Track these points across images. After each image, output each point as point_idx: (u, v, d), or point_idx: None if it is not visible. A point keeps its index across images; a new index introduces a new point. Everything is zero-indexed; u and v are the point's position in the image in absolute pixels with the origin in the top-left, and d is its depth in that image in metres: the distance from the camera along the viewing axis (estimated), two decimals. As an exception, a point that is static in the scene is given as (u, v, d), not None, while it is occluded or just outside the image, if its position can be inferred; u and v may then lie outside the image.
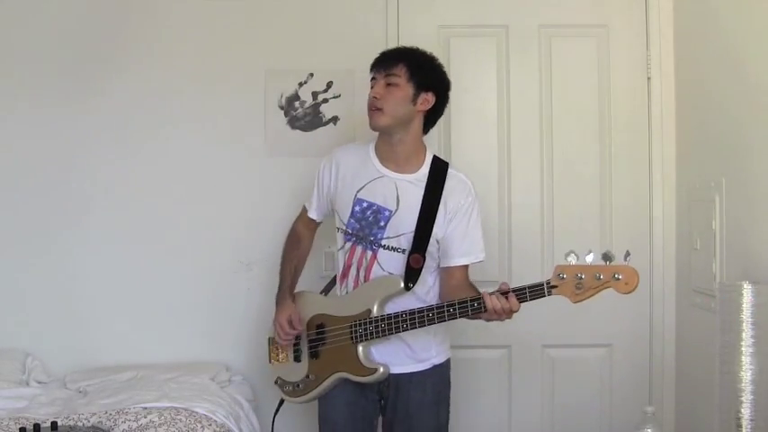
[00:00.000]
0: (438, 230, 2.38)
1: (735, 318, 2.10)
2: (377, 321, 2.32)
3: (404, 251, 2.37)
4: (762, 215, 2.37)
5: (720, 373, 2.15)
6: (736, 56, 2.55)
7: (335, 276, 2.54)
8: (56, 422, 2.20)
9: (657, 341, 3.07)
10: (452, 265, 2.40)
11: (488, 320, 2.25)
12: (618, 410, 3.05)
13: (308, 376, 2.45)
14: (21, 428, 2.14)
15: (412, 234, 2.36)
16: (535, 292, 2.17)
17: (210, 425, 2.40)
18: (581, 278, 2.12)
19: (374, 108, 2.36)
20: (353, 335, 2.35)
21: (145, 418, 2.34)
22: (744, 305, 2.08)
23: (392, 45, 3.06)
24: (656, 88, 3.05)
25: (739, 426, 2.08)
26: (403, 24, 3.08)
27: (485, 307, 2.19)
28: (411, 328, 2.29)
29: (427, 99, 2.40)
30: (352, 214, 2.40)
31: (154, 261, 3.08)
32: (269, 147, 3.08)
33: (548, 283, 2.15)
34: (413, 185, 2.40)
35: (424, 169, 2.42)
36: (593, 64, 3.08)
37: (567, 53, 3.09)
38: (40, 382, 2.85)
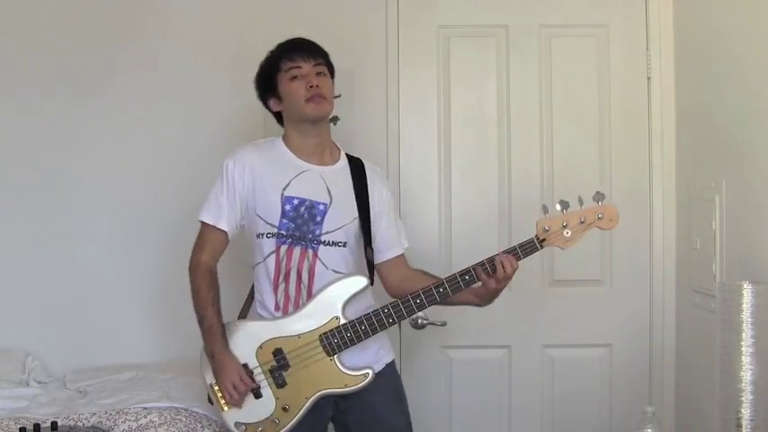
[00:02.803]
0: (372, 224, 2.35)
1: (735, 318, 2.10)
2: (354, 326, 2.20)
3: (344, 244, 2.28)
4: (762, 215, 2.37)
5: (720, 373, 2.15)
6: (737, 56, 2.54)
7: (250, 294, 2.38)
8: (56, 422, 2.20)
9: (657, 341, 3.06)
10: (393, 257, 2.40)
11: (481, 301, 2.25)
12: (618, 410, 3.05)
13: (283, 408, 2.22)
14: (21, 428, 2.14)
15: (350, 225, 2.31)
16: (526, 248, 2.19)
17: (210, 425, 2.40)
18: (565, 226, 2.18)
19: (319, 96, 2.27)
20: (329, 347, 2.21)
21: (145, 418, 2.34)
22: (744, 305, 2.08)
23: (392, 45, 3.08)
24: (656, 88, 3.05)
25: (739, 426, 2.08)
26: (403, 24, 3.08)
27: (477, 277, 2.17)
28: (399, 320, 2.23)
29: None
30: (284, 214, 2.25)
31: (154, 260, 3.08)
32: (269, 147, 3.07)
33: (536, 237, 2.19)
34: (339, 175, 2.35)
35: (343, 161, 2.39)
36: (593, 64, 3.08)
37: (567, 53, 3.08)
38: (40, 382, 2.85)
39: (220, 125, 3.09)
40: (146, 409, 2.40)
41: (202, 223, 2.32)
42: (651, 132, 3.06)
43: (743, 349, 2.08)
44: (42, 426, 2.15)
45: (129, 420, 2.32)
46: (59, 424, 2.23)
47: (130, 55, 3.08)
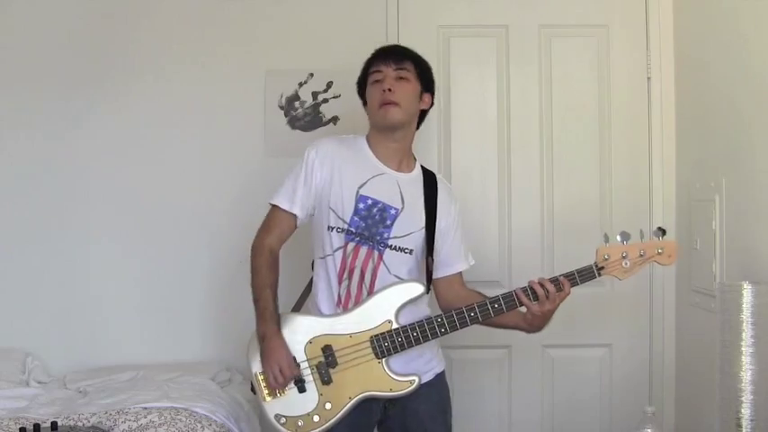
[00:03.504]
0: (437, 237, 2.33)
1: (735, 318, 2.10)
2: (407, 331, 2.19)
3: (410, 252, 2.27)
4: (762, 215, 2.38)
5: (720, 373, 2.15)
6: (736, 56, 2.55)
7: (307, 288, 2.37)
8: (56, 422, 2.20)
9: (657, 341, 3.07)
10: (450, 274, 2.38)
11: (530, 327, 2.26)
12: (618, 410, 3.05)
13: (326, 405, 2.20)
14: (21, 428, 2.14)
15: (418, 234, 2.29)
16: (585, 274, 2.18)
17: (210, 425, 2.40)
18: (625, 257, 2.18)
19: (389, 102, 2.23)
20: (378, 350, 2.19)
21: (145, 418, 2.34)
22: (744, 305, 2.09)
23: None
24: (656, 88, 3.05)
25: (739, 426, 2.08)
26: (403, 24, 3.08)
27: (535, 295, 2.17)
28: (452, 331, 2.21)
29: (425, 100, 2.36)
30: (356, 212, 2.24)
31: (153, 261, 3.08)
32: (269, 147, 3.08)
33: (595, 265, 2.19)
34: (412, 184, 2.33)
35: (418, 171, 2.38)
36: (593, 64, 3.08)
37: (567, 53, 3.09)
38: (40, 382, 2.85)
39: (222, 126, 3.09)
40: (146, 409, 2.40)
41: (273, 207, 2.31)
42: (651, 132, 3.06)
43: (743, 349, 2.08)
44: (42, 426, 2.15)
45: (129, 420, 2.32)
46: (59, 424, 2.23)
47: (131, 57, 3.08)
